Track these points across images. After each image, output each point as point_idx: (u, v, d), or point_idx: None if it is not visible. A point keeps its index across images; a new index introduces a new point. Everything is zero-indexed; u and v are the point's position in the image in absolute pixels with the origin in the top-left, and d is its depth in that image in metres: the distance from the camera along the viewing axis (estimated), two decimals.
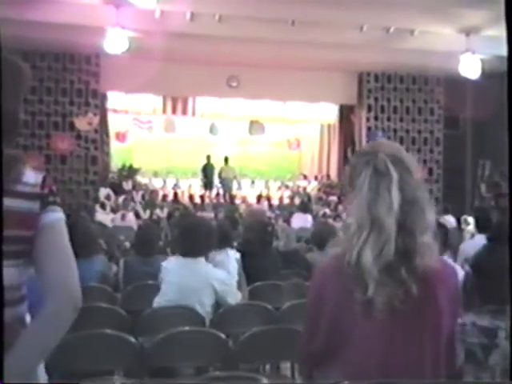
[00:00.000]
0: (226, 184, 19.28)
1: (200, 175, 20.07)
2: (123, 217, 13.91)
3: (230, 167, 19.67)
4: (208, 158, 19.74)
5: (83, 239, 4.98)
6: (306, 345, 2.10)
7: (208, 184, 19.48)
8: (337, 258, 1.99)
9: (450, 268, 2.00)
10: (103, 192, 16.44)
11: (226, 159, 19.64)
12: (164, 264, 4.65)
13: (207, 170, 19.59)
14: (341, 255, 1.94)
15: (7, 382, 1.70)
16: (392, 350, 1.90)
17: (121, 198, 16.05)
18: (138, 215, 14.78)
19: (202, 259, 4.59)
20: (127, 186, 18.09)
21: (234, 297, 4.77)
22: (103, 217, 13.36)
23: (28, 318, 1.97)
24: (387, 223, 1.86)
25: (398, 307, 1.85)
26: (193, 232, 4.68)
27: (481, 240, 5.74)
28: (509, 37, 2.01)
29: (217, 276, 4.60)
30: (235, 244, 6.35)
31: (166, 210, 15.31)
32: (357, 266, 1.87)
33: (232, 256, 5.60)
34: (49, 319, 1.84)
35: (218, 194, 19.06)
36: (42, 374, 2.03)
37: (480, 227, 6.69)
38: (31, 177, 1.87)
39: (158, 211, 15.56)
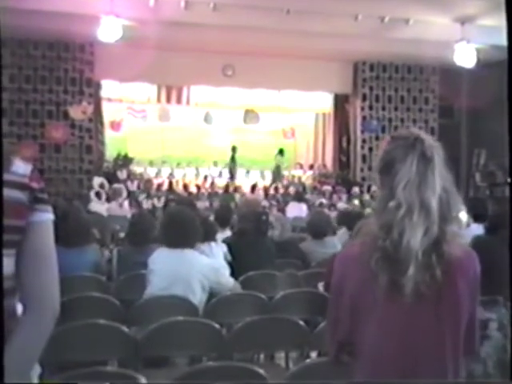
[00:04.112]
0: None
1: (221, 166, 20.16)
2: (118, 206, 13.89)
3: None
4: (233, 149, 19.66)
5: (76, 229, 4.98)
6: (331, 333, 2.14)
7: (232, 176, 19.43)
8: (362, 243, 2.02)
9: (469, 253, 2.03)
10: (97, 181, 16.38)
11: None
12: (153, 255, 4.63)
13: (232, 162, 19.60)
14: (368, 240, 1.97)
15: (7, 382, 1.70)
16: (413, 332, 1.95)
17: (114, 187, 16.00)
18: (131, 204, 14.74)
19: (189, 249, 4.59)
20: (122, 175, 18.02)
21: (227, 279, 4.77)
22: (98, 206, 13.34)
23: (20, 309, 1.95)
24: (433, 207, 1.91)
25: (422, 291, 1.89)
26: (178, 223, 4.67)
27: (476, 229, 5.73)
28: (509, 28, 2.00)
29: (205, 262, 4.61)
30: (229, 234, 6.35)
31: (162, 199, 15.29)
32: (401, 247, 1.89)
33: (216, 250, 5.57)
34: (33, 329, 1.85)
35: (212, 184, 19.03)
36: (35, 367, 2.02)
37: (475, 217, 6.67)
38: (20, 167, 1.85)
39: (154, 200, 15.55)
